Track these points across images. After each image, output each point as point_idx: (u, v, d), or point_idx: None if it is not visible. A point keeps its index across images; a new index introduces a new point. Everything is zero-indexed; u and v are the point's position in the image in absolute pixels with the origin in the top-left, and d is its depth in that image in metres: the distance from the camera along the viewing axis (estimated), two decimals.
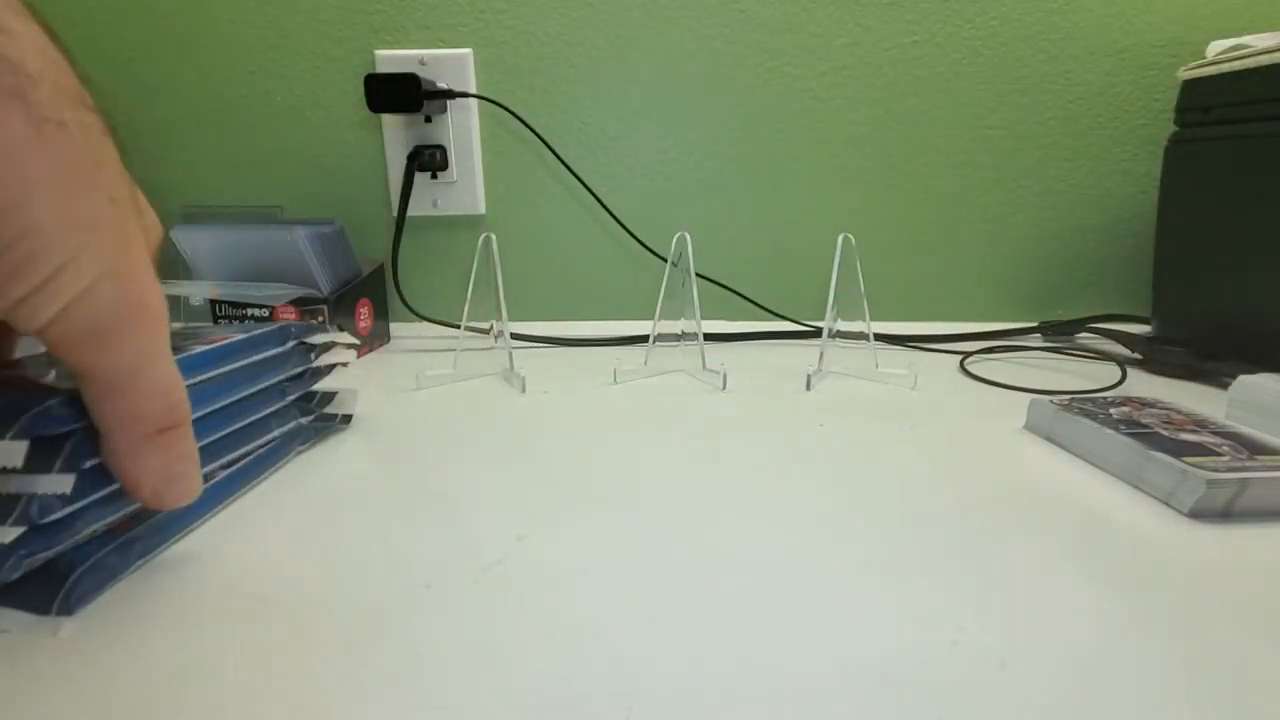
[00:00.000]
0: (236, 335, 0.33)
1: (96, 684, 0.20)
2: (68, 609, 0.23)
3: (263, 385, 0.34)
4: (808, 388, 0.49)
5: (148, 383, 0.22)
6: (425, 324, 0.65)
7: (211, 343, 0.31)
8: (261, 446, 0.34)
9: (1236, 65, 0.50)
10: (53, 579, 0.23)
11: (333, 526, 0.30)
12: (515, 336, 0.61)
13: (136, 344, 0.21)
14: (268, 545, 0.28)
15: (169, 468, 0.24)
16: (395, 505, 0.32)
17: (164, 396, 0.23)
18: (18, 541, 0.22)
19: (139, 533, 0.26)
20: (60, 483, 0.21)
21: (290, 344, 0.37)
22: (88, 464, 0.23)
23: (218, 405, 0.31)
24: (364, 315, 0.62)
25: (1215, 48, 0.54)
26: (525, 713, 0.19)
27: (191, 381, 0.29)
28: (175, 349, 0.29)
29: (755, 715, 0.19)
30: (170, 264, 0.59)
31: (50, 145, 0.19)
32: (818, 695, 0.20)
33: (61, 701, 0.19)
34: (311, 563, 0.27)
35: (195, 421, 0.29)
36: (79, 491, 0.23)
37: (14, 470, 0.21)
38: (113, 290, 0.20)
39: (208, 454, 0.30)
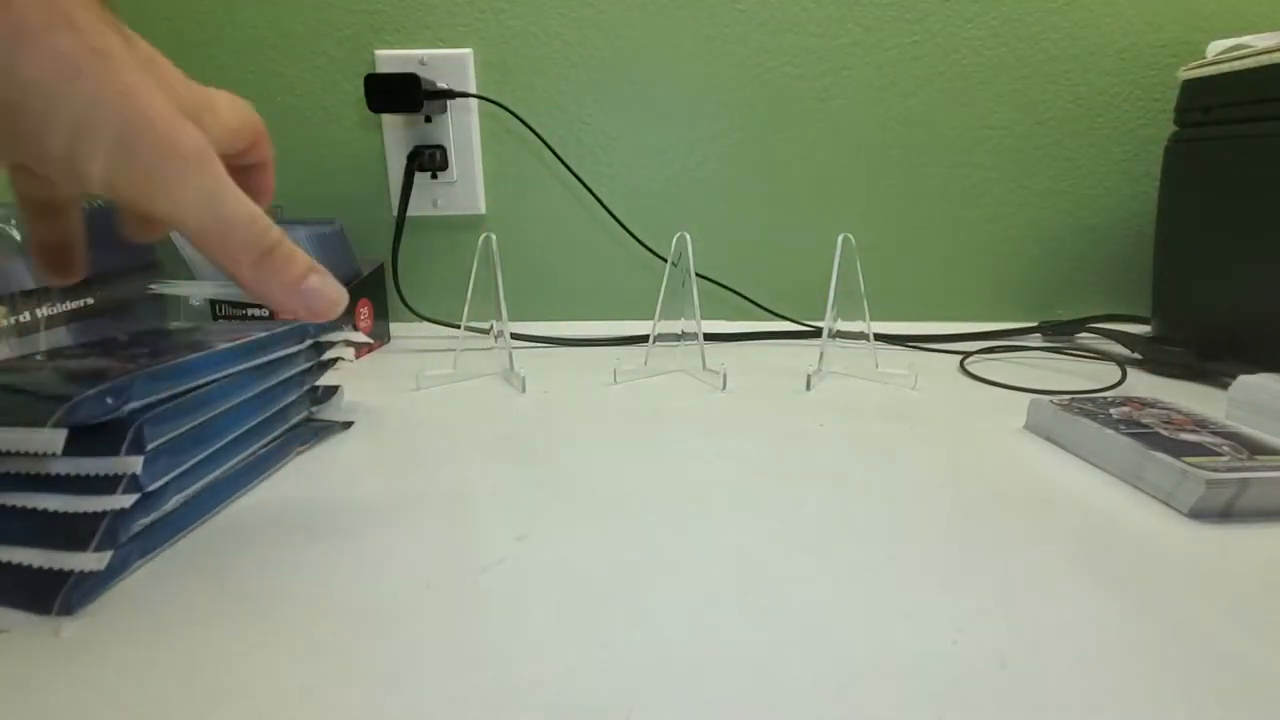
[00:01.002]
0: (257, 333, 0.34)
1: (97, 684, 0.20)
2: (68, 609, 0.23)
3: (278, 379, 0.35)
4: (808, 388, 0.49)
5: (225, 218, 0.23)
6: (425, 324, 0.65)
7: (233, 339, 0.32)
8: (269, 443, 0.35)
9: (1236, 65, 0.50)
10: (53, 579, 0.23)
11: (333, 526, 0.30)
12: (515, 336, 0.61)
13: (191, 184, 0.22)
14: (267, 545, 0.28)
15: (295, 284, 0.25)
16: (395, 505, 0.32)
17: (245, 226, 0.24)
18: (131, 509, 0.24)
19: (139, 533, 0.26)
20: (130, 464, 0.24)
21: (307, 343, 0.38)
22: (152, 446, 0.25)
23: (238, 400, 0.31)
24: (364, 315, 0.62)
25: (1215, 48, 0.54)
26: (525, 713, 0.19)
27: (214, 378, 0.30)
28: (197, 345, 0.31)
29: (755, 715, 0.19)
30: (170, 264, 0.59)
31: None
32: (818, 695, 0.20)
33: (63, 702, 0.19)
34: (311, 562, 0.27)
35: (216, 417, 0.30)
36: (155, 470, 0.25)
37: (54, 456, 0.22)
38: (141, 138, 0.21)
39: (230, 450, 0.31)
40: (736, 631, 0.23)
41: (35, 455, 0.23)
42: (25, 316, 0.40)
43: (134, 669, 0.21)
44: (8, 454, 0.23)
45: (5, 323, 0.39)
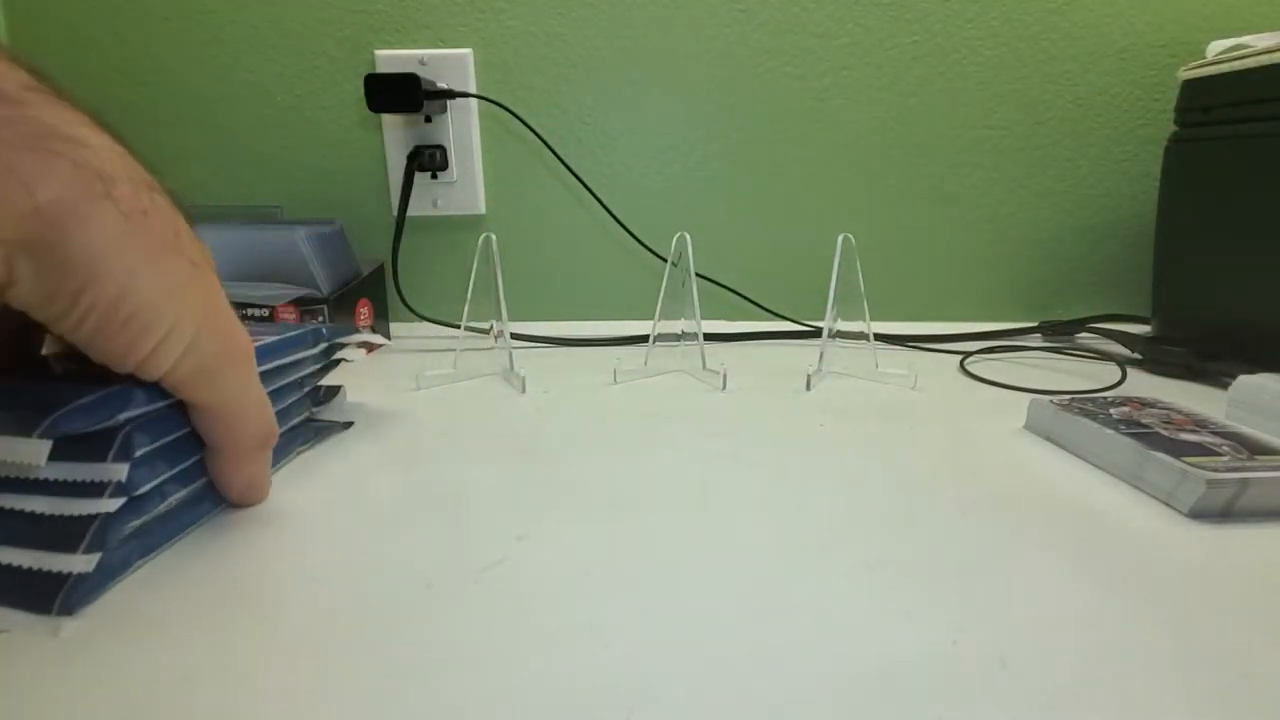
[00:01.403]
0: (270, 337, 0.34)
1: (97, 683, 0.20)
2: (68, 609, 0.23)
3: (282, 383, 0.35)
4: (808, 388, 0.49)
5: (248, 408, 0.27)
6: (425, 324, 0.65)
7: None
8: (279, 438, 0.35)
9: (1236, 65, 0.50)
10: (53, 579, 0.23)
11: (333, 526, 0.30)
12: (515, 336, 0.61)
13: (234, 378, 0.27)
14: (268, 545, 0.28)
15: (257, 475, 0.29)
16: (395, 505, 0.32)
17: (260, 418, 0.28)
18: (118, 512, 0.24)
19: (138, 533, 0.26)
20: (117, 471, 0.24)
21: (320, 346, 0.38)
22: (140, 453, 0.25)
23: None
24: (364, 315, 0.62)
25: (1215, 48, 0.54)
26: (525, 714, 0.19)
27: None
28: None
29: (755, 715, 0.19)
30: None
31: (139, 232, 0.22)
32: (818, 695, 0.20)
33: (62, 702, 0.19)
34: (312, 562, 0.27)
35: None
36: (143, 475, 0.25)
37: (37, 467, 0.22)
38: (209, 340, 0.25)
39: None
40: (736, 631, 0.23)
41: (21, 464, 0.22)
42: None
43: (133, 672, 0.21)
44: None
45: None
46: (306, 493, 0.33)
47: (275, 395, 0.34)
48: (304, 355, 0.37)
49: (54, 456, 0.22)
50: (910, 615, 0.23)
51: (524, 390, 0.48)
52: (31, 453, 0.22)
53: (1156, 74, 0.65)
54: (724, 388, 0.49)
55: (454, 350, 0.51)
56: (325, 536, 0.29)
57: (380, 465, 0.36)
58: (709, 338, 0.55)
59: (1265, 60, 0.48)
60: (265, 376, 0.32)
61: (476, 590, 0.25)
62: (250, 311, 0.56)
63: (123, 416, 0.24)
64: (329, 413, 0.41)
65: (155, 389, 0.26)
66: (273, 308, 0.55)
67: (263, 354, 0.32)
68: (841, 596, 0.24)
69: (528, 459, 0.37)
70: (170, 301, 0.23)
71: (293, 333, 0.36)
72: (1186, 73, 0.55)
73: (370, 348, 0.59)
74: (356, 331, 0.42)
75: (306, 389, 0.38)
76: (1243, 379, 0.40)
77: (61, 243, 0.20)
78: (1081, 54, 0.65)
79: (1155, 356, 0.53)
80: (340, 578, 0.26)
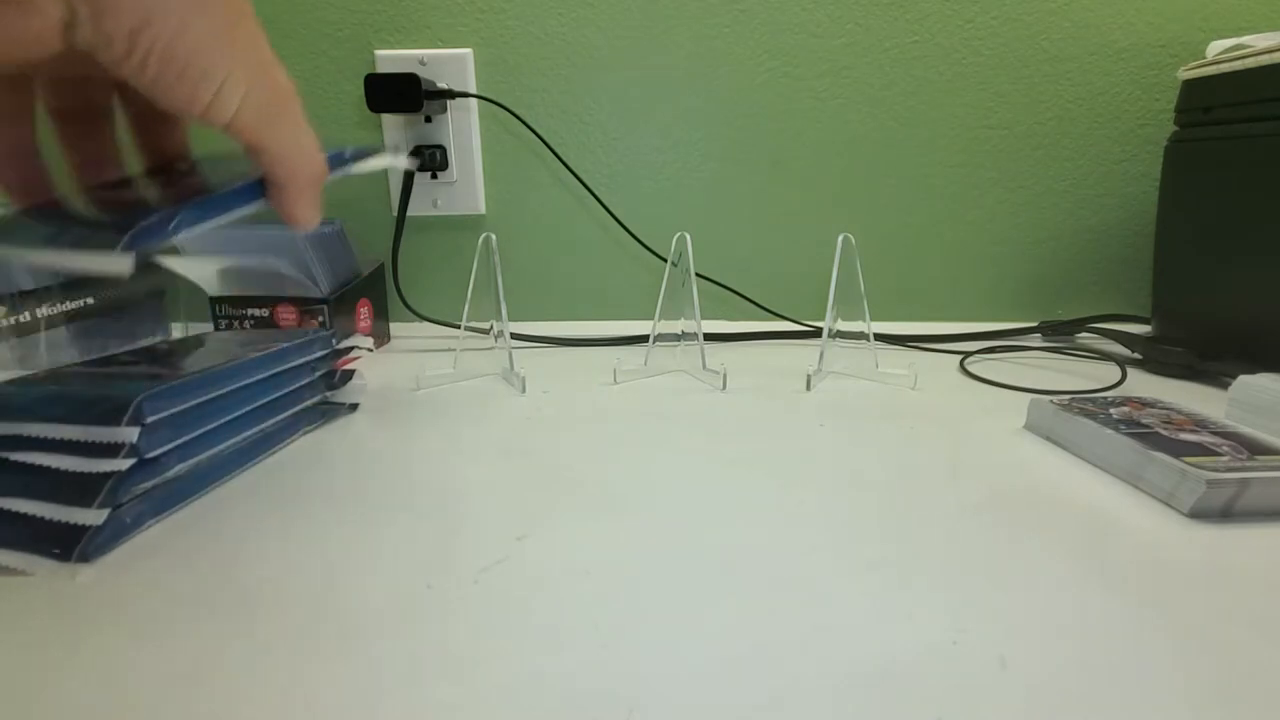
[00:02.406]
0: (281, 344, 0.38)
1: (98, 685, 0.20)
2: (85, 558, 0.25)
3: (288, 365, 0.38)
4: (808, 388, 0.49)
5: (305, 147, 0.29)
6: (425, 324, 0.65)
7: (263, 350, 0.36)
8: (276, 423, 0.37)
9: (1236, 65, 0.50)
10: (72, 531, 0.26)
11: (333, 526, 0.30)
12: (515, 336, 0.61)
13: (290, 119, 0.28)
14: (268, 545, 0.28)
15: (316, 206, 0.31)
16: (396, 505, 0.32)
17: (314, 156, 0.30)
18: (129, 472, 0.27)
19: (149, 495, 0.29)
20: (129, 434, 0.27)
21: (319, 353, 0.41)
22: (151, 419, 0.27)
23: (244, 382, 0.34)
24: (364, 315, 0.62)
25: (1215, 48, 0.54)
26: (525, 714, 0.19)
27: (247, 382, 0.34)
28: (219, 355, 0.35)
29: (755, 715, 0.19)
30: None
31: None
32: (818, 695, 0.20)
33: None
34: (312, 562, 0.27)
35: (222, 397, 0.33)
36: (155, 440, 0.28)
37: (120, 276, 0.24)
38: (263, 85, 0.26)
39: (235, 426, 0.34)
40: (736, 631, 0.23)
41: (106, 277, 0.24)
42: (25, 316, 0.40)
43: (132, 672, 0.21)
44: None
45: (5, 322, 0.39)
46: (307, 492, 0.33)
47: (280, 380, 0.37)
48: (299, 363, 0.39)
49: (73, 420, 0.25)
50: (910, 615, 0.23)
51: (524, 390, 0.48)
52: (118, 264, 0.23)
53: (1156, 74, 0.65)
54: (724, 388, 0.49)
55: (454, 350, 0.51)
56: (325, 536, 0.29)
57: (380, 465, 0.36)
58: (709, 338, 0.55)
59: (1265, 60, 0.48)
60: (275, 379, 0.36)
61: (476, 590, 0.25)
62: (250, 311, 0.56)
63: (184, 233, 0.26)
64: (341, 396, 0.43)
65: (206, 207, 0.27)
66: (271, 306, 0.55)
67: (273, 359, 0.36)
68: (841, 596, 0.24)
69: (528, 459, 0.37)
70: (222, 48, 0.24)
71: (295, 342, 0.39)
72: (1186, 73, 0.55)
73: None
74: (351, 337, 0.45)
75: (319, 372, 0.41)
76: (1243, 379, 0.40)
77: None
78: (1081, 54, 0.65)
79: (1155, 356, 0.53)
80: (340, 578, 0.26)
